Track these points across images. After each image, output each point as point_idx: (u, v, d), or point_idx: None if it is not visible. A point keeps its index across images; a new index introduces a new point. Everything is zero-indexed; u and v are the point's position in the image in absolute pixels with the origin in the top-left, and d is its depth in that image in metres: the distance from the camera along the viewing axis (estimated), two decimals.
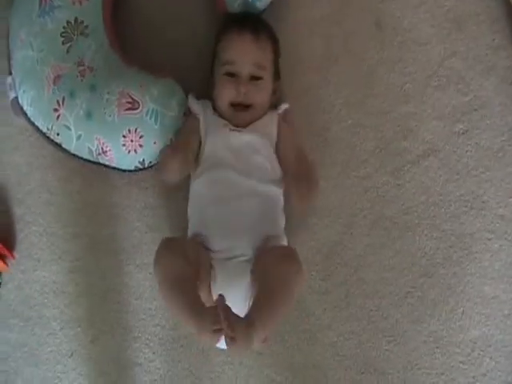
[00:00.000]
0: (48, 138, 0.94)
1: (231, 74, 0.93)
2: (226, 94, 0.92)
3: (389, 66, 1.02)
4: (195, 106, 0.94)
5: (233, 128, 0.92)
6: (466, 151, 1.00)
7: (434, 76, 1.01)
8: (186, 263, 0.80)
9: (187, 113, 0.94)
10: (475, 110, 1.01)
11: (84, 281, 0.97)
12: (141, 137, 0.92)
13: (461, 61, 1.02)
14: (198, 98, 0.96)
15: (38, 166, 1.00)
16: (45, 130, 0.94)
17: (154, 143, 0.93)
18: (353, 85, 1.02)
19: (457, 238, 0.98)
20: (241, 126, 0.92)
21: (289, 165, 0.92)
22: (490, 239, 0.99)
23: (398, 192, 1.00)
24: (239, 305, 0.81)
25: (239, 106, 0.92)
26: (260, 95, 0.93)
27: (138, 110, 0.91)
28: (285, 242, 0.90)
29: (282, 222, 0.92)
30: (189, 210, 0.92)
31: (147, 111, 0.92)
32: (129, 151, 0.93)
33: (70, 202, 1.00)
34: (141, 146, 0.92)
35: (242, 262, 0.85)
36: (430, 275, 0.98)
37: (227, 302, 0.75)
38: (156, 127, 0.92)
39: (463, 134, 1.00)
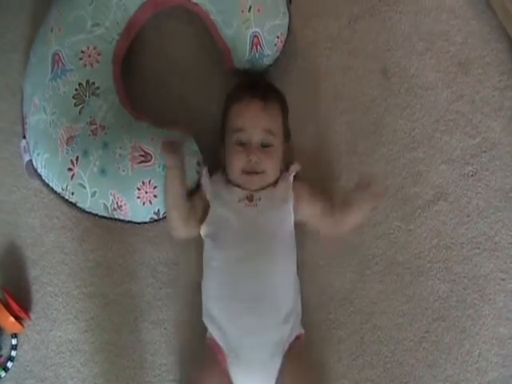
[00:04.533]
0: (63, 197, 1.22)
1: (241, 143, 1.20)
2: (237, 163, 1.19)
3: (396, 113, 1.34)
4: (206, 182, 1.21)
5: (248, 203, 1.19)
6: (476, 193, 1.31)
7: (442, 120, 1.33)
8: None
9: (200, 164, 1.22)
10: (484, 151, 1.32)
11: (99, 339, 1.26)
12: (155, 187, 1.19)
13: (467, 104, 1.34)
14: (210, 170, 1.23)
15: (52, 227, 1.30)
16: (59, 191, 1.22)
17: None
18: (361, 133, 1.33)
19: (470, 281, 1.28)
20: (254, 189, 1.20)
21: (316, 213, 1.21)
22: (503, 279, 1.28)
23: (409, 237, 1.29)
24: None
25: (251, 172, 1.20)
26: (271, 162, 1.20)
27: (151, 162, 1.19)
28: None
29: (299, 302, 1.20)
30: (203, 288, 1.20)
31: (159, 162, 1.19)
32: (143, 203, 1.20)
33: (84, 262, 1.29)
34: (155, 196, 1.20)
35: (264, 359, 1.13)
36: (444, 319, 1.27)
37: None
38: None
39: (472, 176, 1.31)
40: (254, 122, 1.19)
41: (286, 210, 1.20)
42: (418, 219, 1.29)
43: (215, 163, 1.26)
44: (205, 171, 1.22)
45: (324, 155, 1.32)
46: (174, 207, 1.18)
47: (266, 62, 1.28)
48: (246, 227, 1.18)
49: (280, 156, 1.23)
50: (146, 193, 1.19)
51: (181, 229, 1.20)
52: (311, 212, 1.22)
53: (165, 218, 1.22)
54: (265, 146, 1.21)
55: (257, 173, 1.20)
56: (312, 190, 1.23)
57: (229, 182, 1.23)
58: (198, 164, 1.23)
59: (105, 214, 1.23)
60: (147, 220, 1.23)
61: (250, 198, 1.20)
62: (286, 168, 1.26)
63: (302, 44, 1.35)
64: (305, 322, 1.21)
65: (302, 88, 1.34)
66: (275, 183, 1.23)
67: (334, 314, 1.27)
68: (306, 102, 1.33)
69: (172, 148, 1.16)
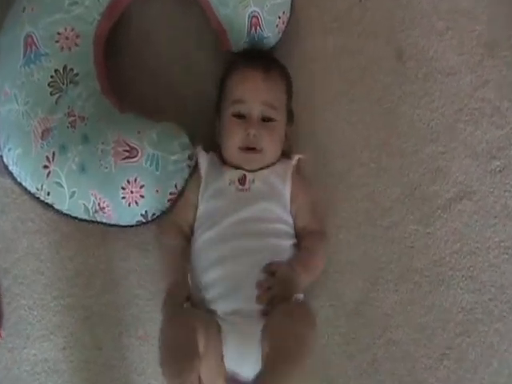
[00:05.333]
0: (37, 198, 1.16)
1: (240, 116, 1.16)
2: (235, 137, 1.16)
3: (413, 102, 1.28)
4: (203, 159, 1.18)
5: (240, 187, 1.16)
6: (505, 191, 1.26)
7: (465, 109, 1.28)
8: (193, 333, 1.02)
9: (192, 158, 1.18)
10: None
11: (79, 357, 1.21)
12: (141, 187, 1.14)
13: (494, 90, 1.29)
14: (205, 149, 1.20)
15: (26, 231, 1.24)
16: (33, 191, 1.16)
17: (157, 192, 1.15)
18: (374, 124, 1.28)
19: (497, 290, 1.23)
20: (251, 170, 1.16)
21: (302, 219, 1.17)
22: None
23: (428, 241, 1.24)
24: (252, 365, 1.04)
25: (249, 149, 1.16)
26: (272, 139, 1.16)
27: (137, 158, 1.14)
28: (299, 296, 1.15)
29: None
30: (189, 273, 1.15)
31: (147, 158, 1.14)
32: (129, 204, 1.15)
33: (62, 270, 1.22)
34: (142, 196, 1.14)
35: (252, 320, 1.07)
36: (469, 333, 1.22)
37: (240, 363, 1.04)
38: (157, 174, 1.14)
39: (500, 172, 1.26)
40: (255, 93, 1.16)
41: (283, 196, 1.17)
42: (438, 221, 1.25)
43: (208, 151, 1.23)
44: (200, 148, 1.19)
45: (332, 148, 1.27)
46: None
47: (267, 44, 1.24)
48: (237, 213, 1.14)
49: (282, 136, 1.20)
50: (132, 192, 1.14)
51: (174, 236, 1.17)
52: (298, 213, 1.18)
53: (153, 220, 1.18)
54: (266, 120, 1.17)
55: (255, 150, 1.16)
56: (309, 193, 1.20)
57: (223, 163, 1.19)
58: (190, 158, 1.18)
59: (85, 217, 1.18)
60: (133, 223, 1.18)
61: (243, 181, 1.16)
62: (287, 156, 1.23)
63: (307, 25, 1.30)
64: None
65: (306, 74, 1.28)
66: (273, 165, 1.19)
67: (343, 327, 1.22)
68: (311, 90, 1.28)
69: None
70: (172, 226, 1.18)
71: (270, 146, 1.17)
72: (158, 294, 1.21)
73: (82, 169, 1.14)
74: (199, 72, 1.29)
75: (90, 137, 1.15)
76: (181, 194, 1.17)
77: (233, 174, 1.17)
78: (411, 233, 1.25)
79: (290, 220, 1.17)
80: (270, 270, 1.10)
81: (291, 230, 1.17)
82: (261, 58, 1.21)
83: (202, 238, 1.15)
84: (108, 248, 1.23)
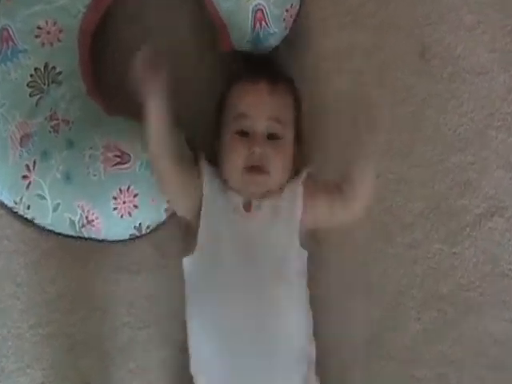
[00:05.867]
0: (15, 213, 1.11)
1: (243, 133, 1.09)
2: (238, 156, 1.08)
3: (438, 105, 1.21)
4: (206, 170, 1.10)
5: (245, 214, 1.08)
6: None
7: (497, 114, 1.21)
8: None
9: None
10: None
11: None
12: (135, 196, 1.09)
13: None
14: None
15: (1, 251, 1.16)
16: (11, 205, 1.10)
17: (152, 201, 1.10)
18: (393, 130, 1.19)
19: None
20: (255, 195, 1.10)
21: (329, 206, 1.10)
22: None
23: (454, 262, 1.18)
24: None
25: (254, 169, 1.08)
26: (279, 158, 1.09)
27: (129, 164, 1.09)
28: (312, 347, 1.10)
29: (311, 320, 1.10)
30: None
31: (140, 164, 1.10)
32: (121, 215, 1.10)
33: (42, 295, 1.15)
34: (136, 206, 1.10)
35: None
36: (503, 368, 1.16)
37: None
38: (153, 181, 1.09)
39: None
40: (259, 107, 1.10)
41: (292, 225, 1.10)
42: (467, 240, 1.19)
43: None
44: (202, 156, 1.13)
45: (345, 163, 1.15)
46: (159, 144, 1.05)
47: (273, 42, 1.17)
48: (241, 245, 1.08)
49: (290, 156, 1.12)
50: (125, 203, 1.09)
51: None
52: (324, 209, 1.11)
53: (149, 233, 1.13)
54: (272, 138, 1.10)
55: (260, 170, 1.09)
56: (325, 188, 1.12)
57: (225, 186, 1.12)
58: None
59: (71, 233, 1.12)
60: (126, 237, 1.13)
61: (248, 207, 1.10)
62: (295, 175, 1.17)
63: (318, 19, 1.22)
64: (319, 372, 1.10)
65: (317, 75, 1.21)
66: (280, 191, 1.12)
67: (356, 362, 1.17)
68: (323, 93, 1.20)
69: (154, 66, 1.02)
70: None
71: (277, 167, 1.09)
72: (149, 322, 1.16)
73: (67, 177, 1.09)
74: (197, 70, 1.22)
75: (76, 142, 1.10)
76: None
77: (238, 199, 1.10)
78: (435, 253, 1.18)
79: (302, 251, 1.09)
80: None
81: (303, 267, 1.10)
82: (266, 69, 1.15)
83: (201, 284, 1.07)
84: (94, 269, 1.17)
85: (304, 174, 1.13)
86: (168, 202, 1.12)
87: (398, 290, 1.17)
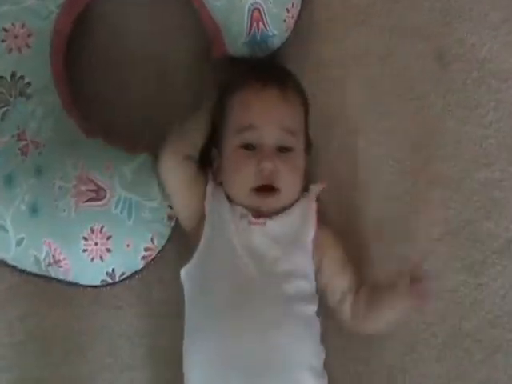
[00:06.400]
0: None
1: (249, 147, 0.99)
2: (245, 175, 0.98)
3: (460, 115, 1.11)
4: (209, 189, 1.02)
5: (254, 220, 0.98)
6: None
7: None
8: None
9: None
10: None
11: None
12: (108, 238, 0.98)
13: None
14: None
15: None
16: None
17: (128, 246, 1.00)
18: (409, 145, 1.10)
19: None
20: (264, 215, 0.98)
21: (329, 275, 1.00)
22: None
23: (479, 295, 1.07)
24: None
25: (263, 189, 0.98)
26: (292, 173, 0.99)
27: (105, 201, 0.98)
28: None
29: (322, 354, 0.99)
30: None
31: (117, 201, 0.99)
32: (92, 258, 0.99)
33: (8, 336, 1.05)
34: (109, 250, 0.99)
35: None
36: None
37: None
38: (130, 223, 0.99)
39: None
40: (269, 116, 0.99)
41: (304, 241, 1.00)
42: (493, 269, 1.08)
43: None
44: (209, 175, 1.04)
45: (353, 176, 1.10)
46: (181, 153, 0.99)
47: (272, 45, 1.08)
48: (246, 255, 0.96)
49: (302, 169, 1.03)
50: (96, 244, 0.98)
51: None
52: (330, 273, 1.01)
53: (122, 280, 1.01)
54: (282, 150, 1.00)
55: (272, 189, 0.99)
56: (337, 243, 1.03)
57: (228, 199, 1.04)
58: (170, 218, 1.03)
59: (36, 271, 1.03)
60: (97, 283, 1.02)
61: (256, 215, 0.98)
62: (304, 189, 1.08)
63: (322, 19, 1.14)
64: None
65: (321, 83, 1.12)
66: (290, 206, 1.03)
67: None
68: (329, 102, 1.12)
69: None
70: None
71: (289, 183, 1.00)
72: (133, 364, 1.06)
73: (34, 210, 0.99)
74: (185, 82, 1.13)
75: (45, 169, 1.00)
76: (159, 252, 1.03)
77: (245, 210, 0.99)
78: (458, 284, 1.08)
79: (312, 274, 0.99)
80: None
81: (313, 289, 0.99)
82: (273, 71, 1.06)
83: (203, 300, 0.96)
84: (68, 305, 1.07)
85: (316, 189, 1.03)
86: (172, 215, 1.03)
87: (417, 328, 1.06)
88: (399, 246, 1.09)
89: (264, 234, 0.99)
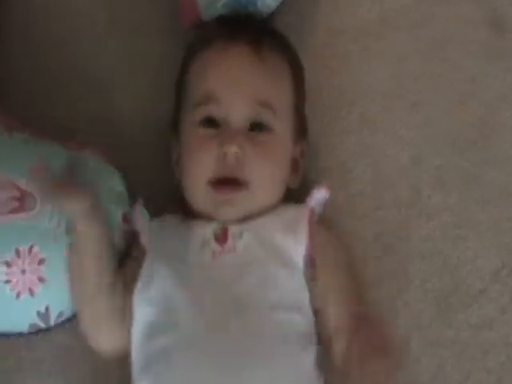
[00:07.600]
0: None
1: (212, 123, 0.80)
2: (202, 161, 0.79)
3: None
4: (142, 223, 0.84)
5: (219, 249, 0.78)
6: None
7: None
8: None
9: (129, 218, 0.85)
10: None
11: None
12: (40, 262, 0.82)
13: None
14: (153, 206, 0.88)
15: None
16: None
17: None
18: (449, 144, 0.91)
19: None
20: (229, 218, 0.80)
21: (327, 305, 0.80)
22: None
23: None
24: None
25: (224, 183, 0.80)
26: (266, 161, 0.80)
27: (34, 212, 0.82)
28: None
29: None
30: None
31: (51, 212, 0.83)
32: (18, 293, 0.82)
33: None
34: (41, 280, 0.82)
35: None
36: None
37: None
38: (68, 241, 0.84)
39: None
40: (237, 84, 0.80)
41: (292, 260, 0.79)
42: None
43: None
44: (139, 203, 0.84)
45: (377, 180, 0.90)
46: (90, 299, 0.79)
47: (263, 7, 0.90)
48: (214, 303, 0.76)
49: (285, 159, 0.83)
50: (24, 273, 0.81)
51: (105, 333, 0.79)
52: (324, 300, 0.79)
53: (60, 325, 0.84)
54: (257, 129, 0.80)
55: (236, 182, 0.79)
56: (339, 263, 0.82)
57: (188, 216, 0.85)
58: (124, 217, 0.85)
59: None
60: (25, 329, 0.84)
61: (222, 237, 0.79)
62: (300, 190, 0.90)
63: None
64: None
65: (331, 59, 0.94)
66: (273, 209, 0.84)
67: None
68: (341, 85, 0.92)
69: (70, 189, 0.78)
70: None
71: (263, 175, 0.79)
72: None
73: None
74: (141, 62, 0.95)
75: None
76: None
77: (207, 228, 0.80)
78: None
79: (307, 300, 0.79)
80: None
81: (308, 324, 0.79)
82: (246, 24, 0.87)
83: (153, 348, 0.77)
84: None
85: (318, 193, 0.82)
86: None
87: None
88: (435, 283, 0.86)
89: (235, 264, 0.79)
